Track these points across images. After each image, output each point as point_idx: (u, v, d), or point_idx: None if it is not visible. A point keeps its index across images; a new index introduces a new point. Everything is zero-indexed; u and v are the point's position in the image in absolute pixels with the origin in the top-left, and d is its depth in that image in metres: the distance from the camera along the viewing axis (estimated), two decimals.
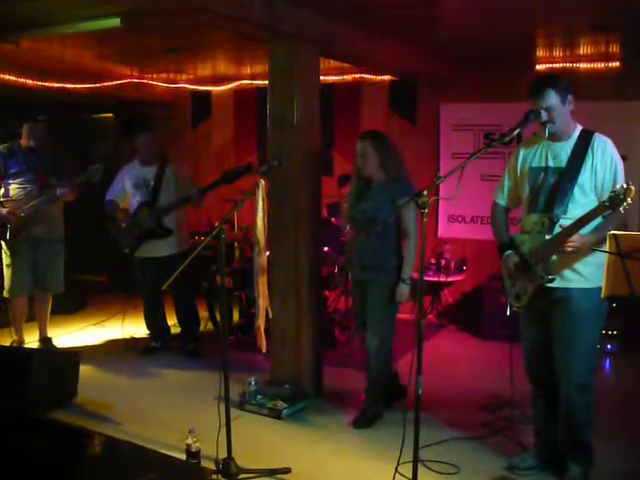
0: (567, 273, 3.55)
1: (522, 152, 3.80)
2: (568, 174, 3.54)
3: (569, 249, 3.37)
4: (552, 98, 3.48)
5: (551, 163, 3.63)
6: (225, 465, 3.77)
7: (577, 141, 3.59)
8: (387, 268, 4.50)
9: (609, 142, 3.57)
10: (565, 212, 3.52)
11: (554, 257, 3.52)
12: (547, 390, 3.82)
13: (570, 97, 3.55)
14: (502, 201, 3.95)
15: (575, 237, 3.34)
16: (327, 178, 6.68)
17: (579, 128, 3.63)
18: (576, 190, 3.52)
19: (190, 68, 7.84)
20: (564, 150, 3.60)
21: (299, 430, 4.64)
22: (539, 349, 3.77)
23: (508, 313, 3.93)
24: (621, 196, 3.04)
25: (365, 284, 4.62)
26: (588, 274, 3.51)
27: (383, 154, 4.51)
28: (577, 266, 3.53)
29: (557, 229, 3.49)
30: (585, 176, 3.52)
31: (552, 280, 3.52)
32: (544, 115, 3.51)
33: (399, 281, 4.48)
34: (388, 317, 4.60)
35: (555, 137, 3.61)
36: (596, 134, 3.59)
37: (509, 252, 3.76)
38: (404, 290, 4.49)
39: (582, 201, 3.51)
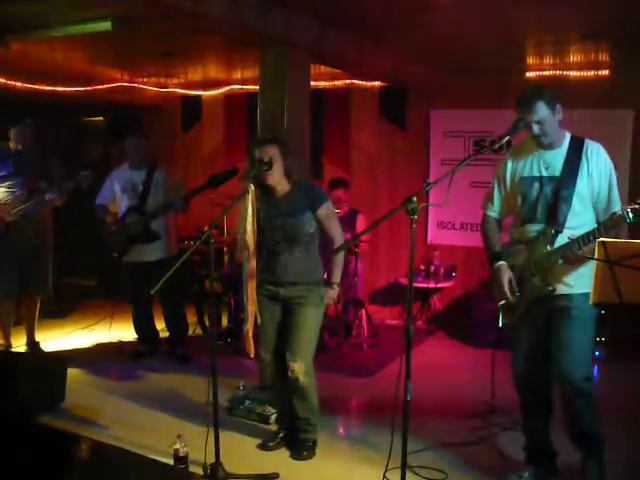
0: (568, 279, 3.53)
1: (510, 162, 3.71)
2: (565, 183, 3.49)
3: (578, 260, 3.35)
4: (542, 111, 3.41)
5: (544, 172, 3.57)
6: (213, 470, 3.75)
7: (569, 149, 3.54)
8: (316, 283, 4.19)
9: (601, 148, 3.54)
10: (565, 222, 3.49)
11: (554, 267, 3.49)
12: (538, 398, 3.78)
13: (559, 106, 3.48)
14: (493, 213, 3.83)
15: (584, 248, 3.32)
16: (317, 183, 6.68)
17: (568, 135, 3.58)
18: (575, 199, 3.49)
19: (181, 72, 7.83)
20: (556, 158, 3.54)
21: None
22: (533, 358, 3.71)
23: (500, 325, 3.81)
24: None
25: (291, 302, 4.17)
26: (587, 279, 3.37)
27: (289, 160, 4.11)
28: (578, 271, 3.49)
29: (560, 239, 3.47)
30: (582, 184, 3.48)
31: (553, 291, 3.51)
32: (536, 129, 3.45)
33: (328, 285, 4.22)
34: (315, 338, 4.21)
35: (546, 146, 3.56)
36: (587, 140, 3.56)
37: (502, 262, 3.69)
38: (334, 293, 4.27)
39: (579, 209, 3.50)
